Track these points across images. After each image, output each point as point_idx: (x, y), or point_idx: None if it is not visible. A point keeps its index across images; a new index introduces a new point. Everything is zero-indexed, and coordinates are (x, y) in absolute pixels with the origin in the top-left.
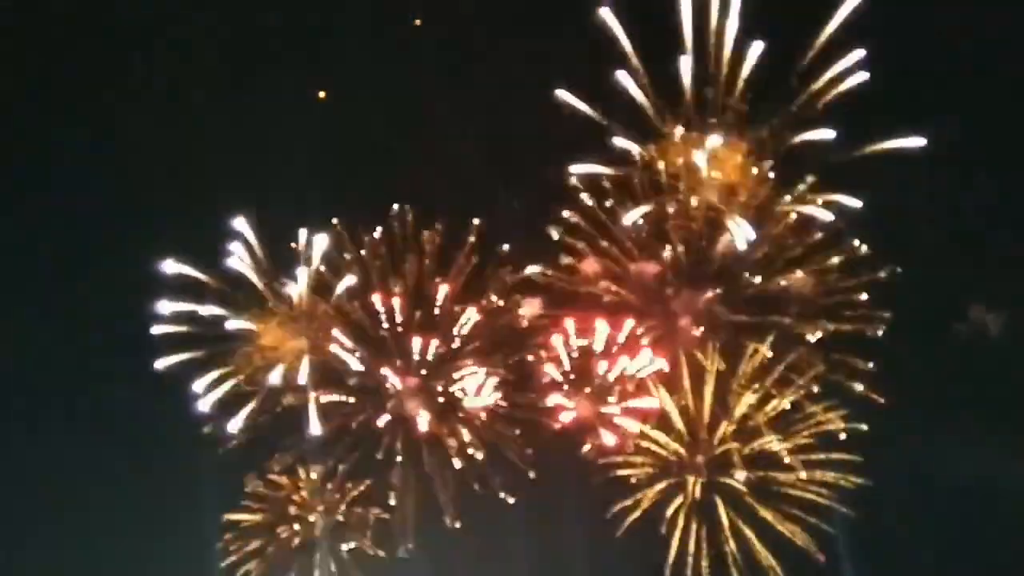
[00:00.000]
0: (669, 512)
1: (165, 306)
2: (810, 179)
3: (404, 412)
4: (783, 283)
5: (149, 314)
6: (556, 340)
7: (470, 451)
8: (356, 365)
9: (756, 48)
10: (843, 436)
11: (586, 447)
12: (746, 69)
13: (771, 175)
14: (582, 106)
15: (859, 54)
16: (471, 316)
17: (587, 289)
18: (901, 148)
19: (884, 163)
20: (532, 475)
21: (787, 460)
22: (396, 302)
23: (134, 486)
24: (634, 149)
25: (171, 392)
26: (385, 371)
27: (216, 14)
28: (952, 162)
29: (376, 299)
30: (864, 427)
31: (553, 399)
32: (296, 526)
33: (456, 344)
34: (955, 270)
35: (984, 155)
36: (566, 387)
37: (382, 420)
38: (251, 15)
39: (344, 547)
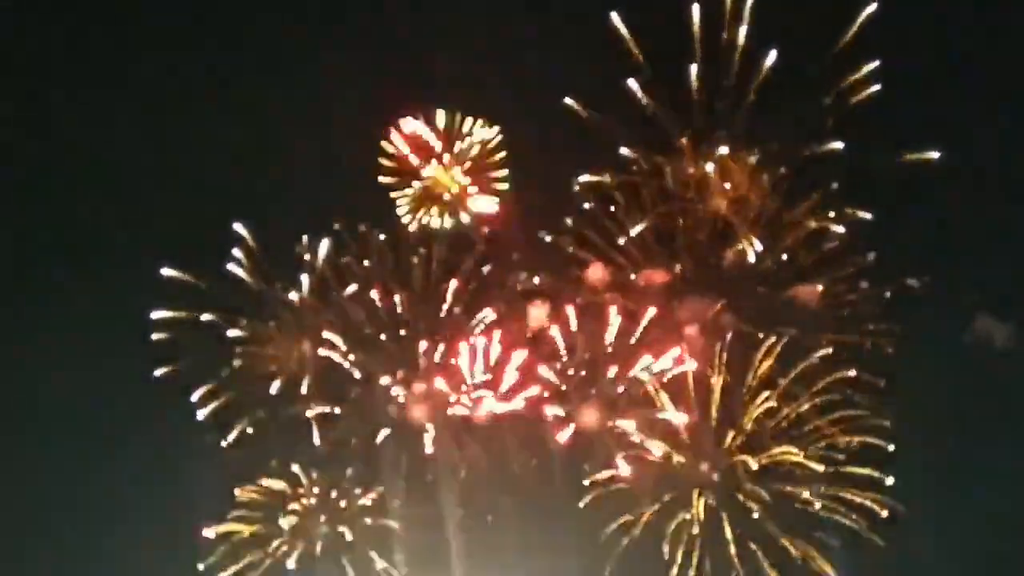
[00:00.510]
0: (671, 528)
1: (163, 312)
2: (821, 191)
3: (409, 420)
4: (791, 294)
5: (146, 321)
6: (554, 332)
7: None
8: (359, 373)
9: (768, 58)
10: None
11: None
12: (757, 79)
13: (781, 186)
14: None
15: (872, 65)
16: (487, 315)
17: (593, 298)
18: (914, 160)
19: (896, 175)
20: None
21: (798, 473)
22: (400, 308)
23: (124, 496)
24: (643, 158)
25: (167, 400)
26: (389, 379)
27: (217, 16)
28: (965, 174)
29: (380, 305)
30: (884, 444)
31: (551, 410)
32: (295, 538)
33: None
34: (966, 282)
35: (997, 167)
36: (565, 389)
37: (383, 433)
38: (252, 15)
39: (346, 561)
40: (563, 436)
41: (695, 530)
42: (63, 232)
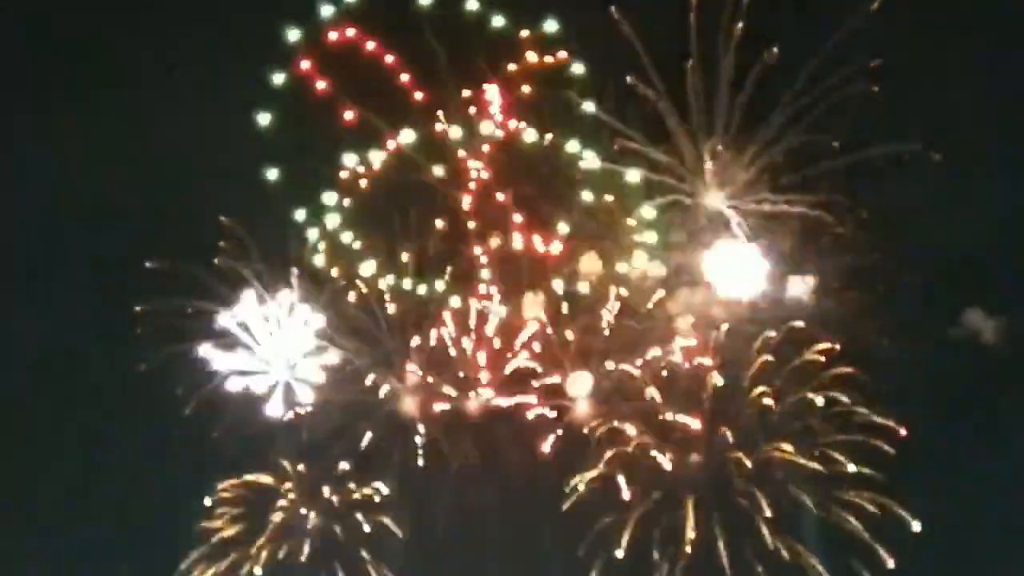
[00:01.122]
0: (660, 528)
1: (150, 304)
2: (816, 184)
3: (401, 412)
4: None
5: (133, 312)
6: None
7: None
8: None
9: (766, 52)
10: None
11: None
12: (754, 72)
13: (776, 179)
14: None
15: (873, 61)
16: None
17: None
18: (906, 155)
19: (889, 170)
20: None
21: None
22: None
23: (101, 491)
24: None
25: (154, 392)
26: (383, 371)
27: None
28: (957, 169)
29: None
30: (882, 444)
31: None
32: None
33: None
34: (958, 278)
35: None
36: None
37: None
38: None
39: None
40: (555, 431)
41: (687, 530)
42: (51, 226)
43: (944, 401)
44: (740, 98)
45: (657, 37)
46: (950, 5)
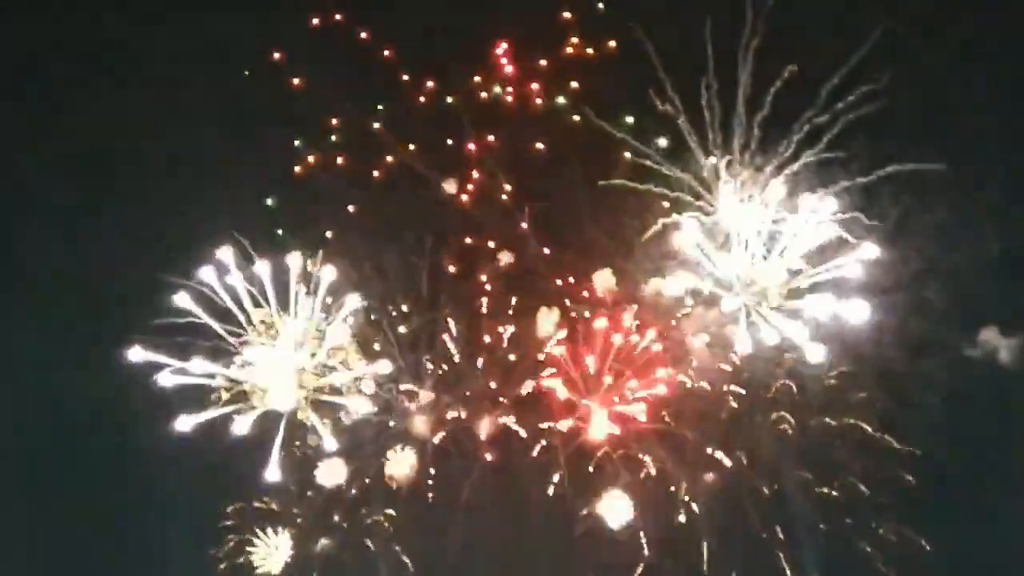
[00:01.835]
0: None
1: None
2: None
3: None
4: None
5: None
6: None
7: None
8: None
9: (783, 68)
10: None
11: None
12: (772, 88)
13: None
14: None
15: (891, 79)
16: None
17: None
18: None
19: (903, 185)
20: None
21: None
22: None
23: (106, 512)
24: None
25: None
26: (393, 389)
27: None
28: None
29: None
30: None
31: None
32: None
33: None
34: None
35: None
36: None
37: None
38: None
39: None
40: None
41: (702, 557)
42: (50, 241)
43: (965, 426)
44: (758, 115)
45: (675, 54)
46: (971, 24)
